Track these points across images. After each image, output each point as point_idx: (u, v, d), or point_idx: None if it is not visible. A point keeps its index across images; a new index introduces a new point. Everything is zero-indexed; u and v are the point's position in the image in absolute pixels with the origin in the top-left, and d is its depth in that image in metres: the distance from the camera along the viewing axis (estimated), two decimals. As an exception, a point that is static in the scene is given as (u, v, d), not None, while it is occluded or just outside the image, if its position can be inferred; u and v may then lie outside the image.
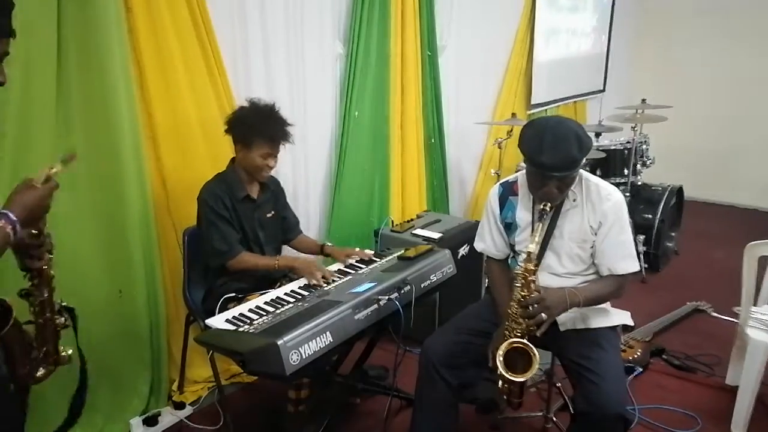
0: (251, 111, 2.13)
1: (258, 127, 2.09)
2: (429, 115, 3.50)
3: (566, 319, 1.90)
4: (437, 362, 1.90)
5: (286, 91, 2.68)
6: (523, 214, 1.92)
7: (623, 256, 1.83)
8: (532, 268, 1.73)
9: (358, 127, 3.01)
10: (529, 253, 1.72)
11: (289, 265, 2.17)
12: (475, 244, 2.11)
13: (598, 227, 1.82)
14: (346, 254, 2.29)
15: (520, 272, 1.75)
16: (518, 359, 1.72)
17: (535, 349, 1.69)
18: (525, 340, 1.71)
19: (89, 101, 1.99)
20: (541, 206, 1.75)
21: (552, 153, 1.65)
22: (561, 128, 1.71)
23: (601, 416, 1.68)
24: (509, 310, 1.77)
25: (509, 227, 1.97)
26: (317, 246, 2.42)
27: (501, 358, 1.70)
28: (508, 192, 1.96)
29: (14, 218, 1.12)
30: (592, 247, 1.86)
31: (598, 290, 1.84)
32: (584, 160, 1.74)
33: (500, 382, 1.76)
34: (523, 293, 1.73)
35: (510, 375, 1.68)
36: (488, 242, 2.04)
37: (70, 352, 1.47)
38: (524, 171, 1.89)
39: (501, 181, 2.02)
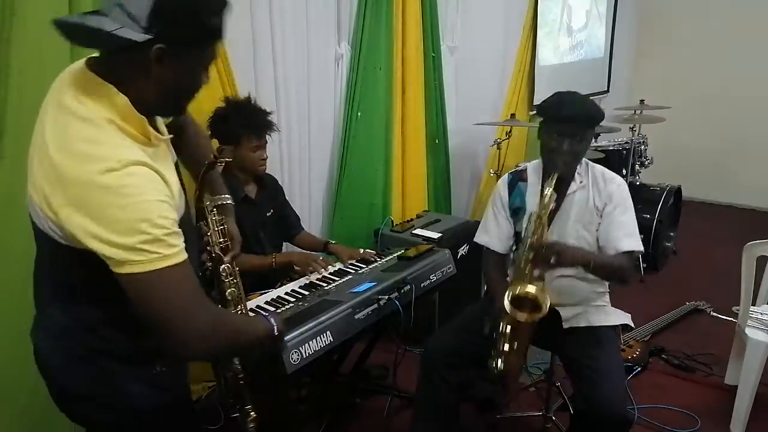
0: (230, 108, 2.13)
1: (241, 122, 2.09)
2: (433, 116, 3.50)
3: (568, 317, 1.91)
4: (439, 362, 1.91)
5: (293, 92, 2.67)
6: (532, 198, 1.95)
7: (627, 235, 1.85)
8: (545, 220, 1.71)
9: (362, 128, 3.01)
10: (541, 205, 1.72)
11: (286, 260, 2.17)
12: (476, 238, 2.12)
13: (603, 207, 1.87)
14: (349, 255, 2.28)
15: (533, 218, 1.73)
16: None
17: (543, 294, 1.64)
18: (532, 289, 1.65)
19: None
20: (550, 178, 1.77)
21: (571, 107, 1.81)
22: (578, 94, 1.87)
23: (602, 415, 1.69)
24: (519, 260, 1.75)
25: (517, 214, 1.99)
26: (321, 243, 2.42)
27: (508, 301, 1.65)
28: (517, 178, 2.02)
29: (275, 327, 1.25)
30: (597, 230, 1.89)
31: (608, 259, 1.83)
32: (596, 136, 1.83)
33: (502, 344, 1.70)
34: (534, 238, 1.70)
35: (518, 313, 1.62)
36: (492, 233, 2.05)
37: (249, 422, 1.42)
38: (533, 162, 1.98)
39: (510, 171, 2.08)
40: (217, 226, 1.34)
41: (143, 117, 1.03)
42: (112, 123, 0.99)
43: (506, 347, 1.70)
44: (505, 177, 2.07)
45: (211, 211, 1.35)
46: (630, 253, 1.85)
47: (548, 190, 1.71)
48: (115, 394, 1.16)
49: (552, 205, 1.74)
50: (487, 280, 2.11)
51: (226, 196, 1.44)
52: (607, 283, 2.06)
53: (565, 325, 1.91)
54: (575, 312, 1.94)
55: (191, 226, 1.23)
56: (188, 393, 1.38)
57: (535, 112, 4.61)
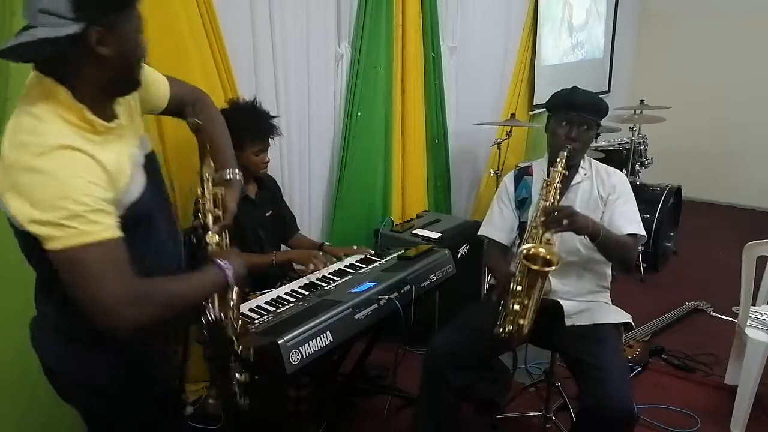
0: (235, 112, 2.13)
1: (245, 126, 2.09)
2: (433, 116, 3.50)
3: (571, 313, 1.92)
4: (443, 363, 1.90)
5: (293, 92, 2.68)
6: (538, 188, 1.99)
7: (630, 221, 1.93)
8: (557, 185, 1.80)
9: (362, 128, 3.01)
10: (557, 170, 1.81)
11: (287, 258, 2.17)
12: (480, 231, 2.16)
13: (607, 196, 1.96)
14: (344, 253, 2.30)
15: (545, 184, 1.82)
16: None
17: (554, 254, 1.67)
18: (542, 250, 1.68)
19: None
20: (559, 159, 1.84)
21: (580, 96, 1.94)
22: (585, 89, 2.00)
23: (608, 411, 1.68)
24: (530, 226, 1.80)
25: (523, 204, 2.04)
26: (315, 245, 2.43)
27: (522, 255, 1.68)
28: (522, 173, 2.11)
29: (231, 278, 1.23)
30: (601, 218, 1.94)
31: (616, 235, 1.87)
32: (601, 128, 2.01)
33: (511, 305, 1.70)
34: (546, 203, 1.77)
35: (532, 265, 1.64)
36: (496, 225, 2.10)
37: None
38: (537, 160, 2.07)
39: (515, 169, 2.16)
40: (211, 195, 1.36)
41: (83, 106, 1.07)
42: (56, 115, 1.05)
43: (516, 307, 1.71)
44: (511, 173, 2.14)
45: (207, 180, 1.36)
46: (634, 237, 1.91)
47: (560, 161, 1.81)
48: (96, 379, 1.23)
49: (565, 172, 1.82)
50: (488, 264, 2.12)
51: (234, 170, 1.46)
52: (609, 278, 2.09)
53: (568, 322, 1.91)
54: (578, 308, 1.95)
55: (156, 209, 1.25)
56: (167, 383, 1.39)
57: (542, 109, 4.61)
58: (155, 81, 1.31)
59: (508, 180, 2.13)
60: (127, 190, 1.13)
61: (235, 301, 1.32)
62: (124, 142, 1.17)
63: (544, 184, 1.83)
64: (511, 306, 1.71)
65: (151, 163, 1.25)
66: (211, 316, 1.29)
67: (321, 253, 2.14)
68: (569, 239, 1.93)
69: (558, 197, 1.80)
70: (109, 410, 1.26)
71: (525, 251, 1.67)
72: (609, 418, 1.69)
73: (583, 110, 1.91)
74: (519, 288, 1.69)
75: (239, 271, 1.27)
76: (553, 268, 1.64)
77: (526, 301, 1.70)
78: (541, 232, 1.73)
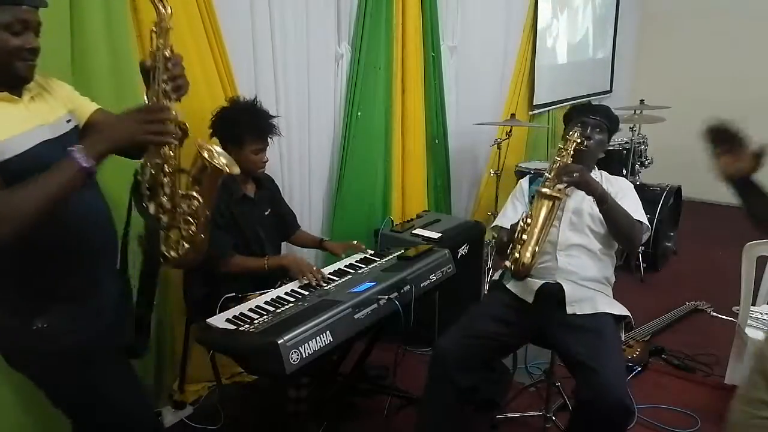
0: (235, 110, 2.13)
1: (246, 124, 2.10)
2: (433, 116, 3.51)
3: (573, 300, 1.94)
4: (449, 364, 1.90)
5: (293, 92, 2.68)
6: None
7: (635, 211, 2.04)
8: (570, 150, 1.95)
9: (361, 128, 3.01)
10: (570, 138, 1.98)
11: (278, 264, 2.16)
12: (494, 224, 2.25)
13: (615, 194, 2.05)
14: (343, 248, 2.32)
15: (558, 150, 1.97)
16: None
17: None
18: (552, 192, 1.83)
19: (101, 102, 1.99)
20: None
21: (596, 105, 2.20)
22: None
23: (604, 403, 1.68)
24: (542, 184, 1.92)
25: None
26: (316, 241, 2.44)
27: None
28: (537, 176, 2.24)
29: (80, 159, 1.22)
30: None
31: (623, 208, 1.97)
32: (611, 141, 2.24)
33: (520, 235, 1.82)
34: (559, 164, 1.92)
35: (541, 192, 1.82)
36: (509, 216, 2.19)
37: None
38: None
39: (528, 173, 2.36)
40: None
41: None
42: None
43: (524, 236, 1.81)
44: (527, 176, 2.31)
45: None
46: (640, 223, 2.02)
47: (574, 132, 1.98)
48: (22, 345, 1.40)
49: (578, 140, 1.96)
50: (498, 244, 2.20)
51: None
52: (613, 279, 2.11)
53: (569, 310, 1.92)
54: (580, 295, 1.97)
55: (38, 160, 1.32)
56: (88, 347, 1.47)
57: (543, 109, 4.62)
58: (83, 100, 1.51)
59: (524, 181, 2.27)
60: (1, 148, 1.25)
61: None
62: (19, 113, 1.31)
63: (558, 150, 1.95)
64: (519, 236, 1.83)
65: (62, 139, 1.38)
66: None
67: (315, 268, 2.12)
68: (579, 221, 2.03)
69: (570, 161, 1.92)
70: (32, 369, 1.44)
71: (539, 190, 1.85)
72: (605, 411, 1.69)
73: (597, 114, 2.12)
74: (529, 220, 1.83)
75: (97, 150, 1.25)
76: (562, 196, 1.83)
77: (534, 230, 1.81)
78: (554, 184, 1.85)
